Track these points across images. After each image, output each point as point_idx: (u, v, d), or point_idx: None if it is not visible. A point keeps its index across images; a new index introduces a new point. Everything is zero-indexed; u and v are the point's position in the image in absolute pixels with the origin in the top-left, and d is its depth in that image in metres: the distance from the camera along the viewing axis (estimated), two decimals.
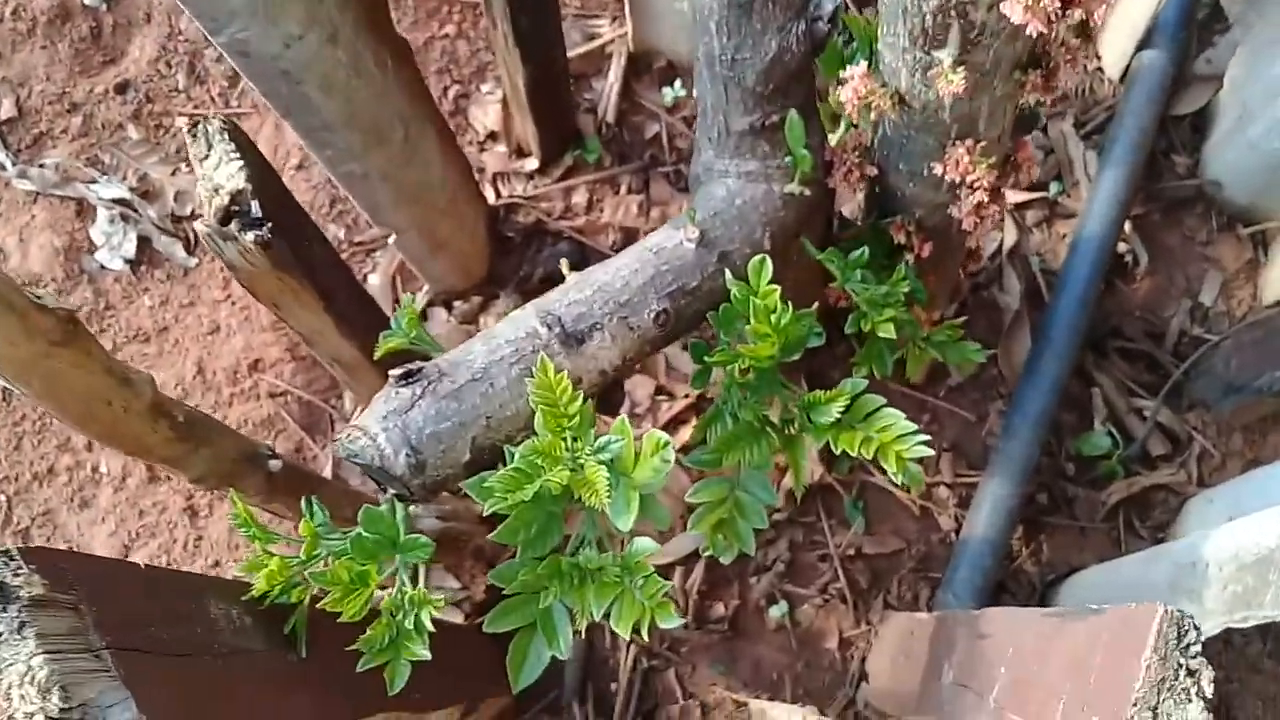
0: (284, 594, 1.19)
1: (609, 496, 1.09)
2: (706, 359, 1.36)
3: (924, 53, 1.13)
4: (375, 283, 2.29)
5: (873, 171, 1.50)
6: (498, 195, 2.35)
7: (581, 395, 1.10)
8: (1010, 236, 2.24)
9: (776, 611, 2.12)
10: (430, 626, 1.12)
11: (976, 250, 1.79)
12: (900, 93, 1.25)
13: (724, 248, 1.41)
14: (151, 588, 1.00)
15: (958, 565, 1.99)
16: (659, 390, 2.27)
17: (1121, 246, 2.21)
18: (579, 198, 2.33)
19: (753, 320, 1.30)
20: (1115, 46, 2.24)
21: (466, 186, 2.12)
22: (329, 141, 1.63)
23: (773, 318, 1.30)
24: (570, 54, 2.37)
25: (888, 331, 1.43)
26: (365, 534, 1.16)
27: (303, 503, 1.21)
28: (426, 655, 1.13)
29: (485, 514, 1.11)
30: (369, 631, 1.13)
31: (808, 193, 1.45)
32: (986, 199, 1.41)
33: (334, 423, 2.19)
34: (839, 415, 1.35)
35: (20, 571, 0.81)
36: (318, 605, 1.19)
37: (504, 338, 1.27)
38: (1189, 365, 2.12)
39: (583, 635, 1.50)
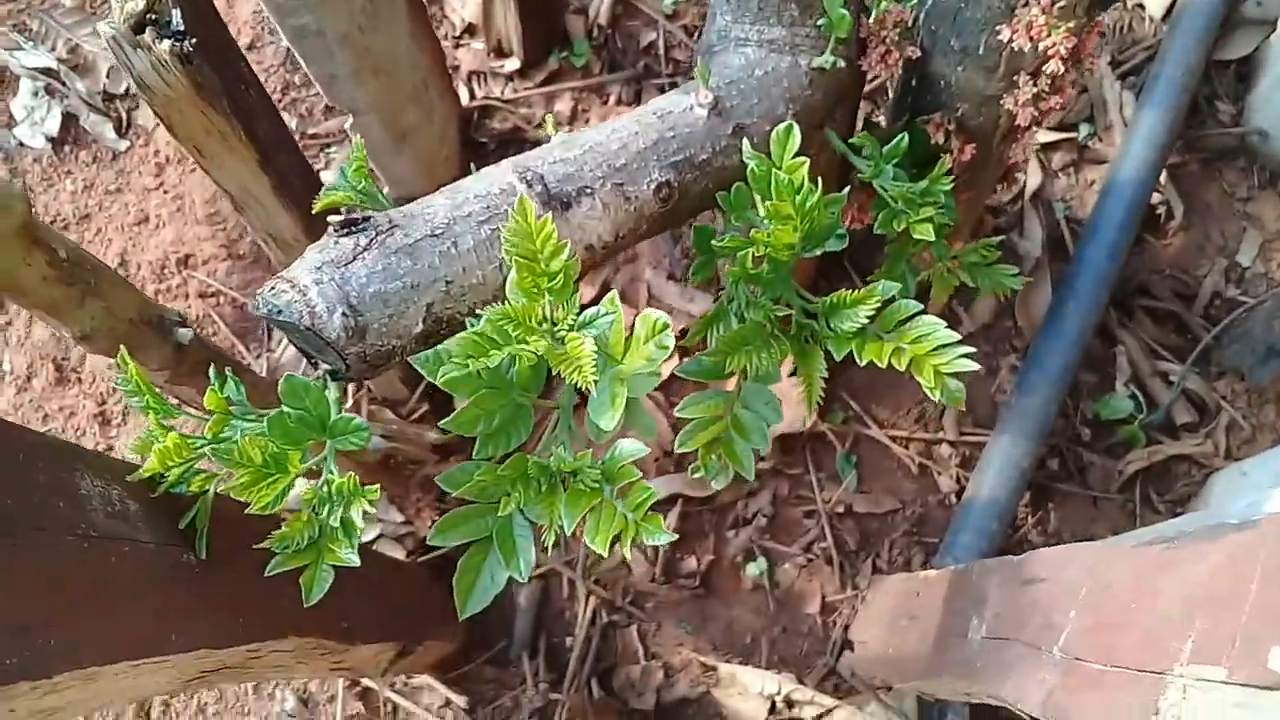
0: (182, 481, 0.96)
1: (595, 378, 0.87)
2: (715, 243, 1.14)
3: None
4: (327, 180, 2.04)
5: (914, 53, 1.28)
6: (472, 96, 2.11)
7: (567, 249, 0.88)
8: (1034, 179, 2.04)
9: (754, 569, 1.91)
10: (361, 523, 0.90)
11: (1012, 170, 1.58)
12: None
13: (740, 120, 1.20)
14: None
15: (961, 528, 1.80)
16: None
17: (1154, 197, 2.02)
18: (562, 105, 2.10)
19: (773, 197, 1.08)
20: None
21: (438, 74, 1.88)
22: None
23: (797, 197, 1.08)
24: None
25: (925, 233, 1.22)
26: (288, 409, 0.93)
27: (211, 371, 0.97)
28: (355, 560, 0.90)
29: (441, 423, 0.89)
30: (285, 527, 0.90)
31: (841, 65, 1.24)
32: (1044, 87, 1.20)
33: (270, 331, 1.95)
34: (866, 321, 1.14)
35: None
36: (225, 495, 0.96)
37: (473, 191, 1.05)
38: (1221, 329, 1.94)
39: (549, 551, 1.28)
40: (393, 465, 1.85)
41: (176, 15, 1.05)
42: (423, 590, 1.65)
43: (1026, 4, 1.08)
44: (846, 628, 1.88)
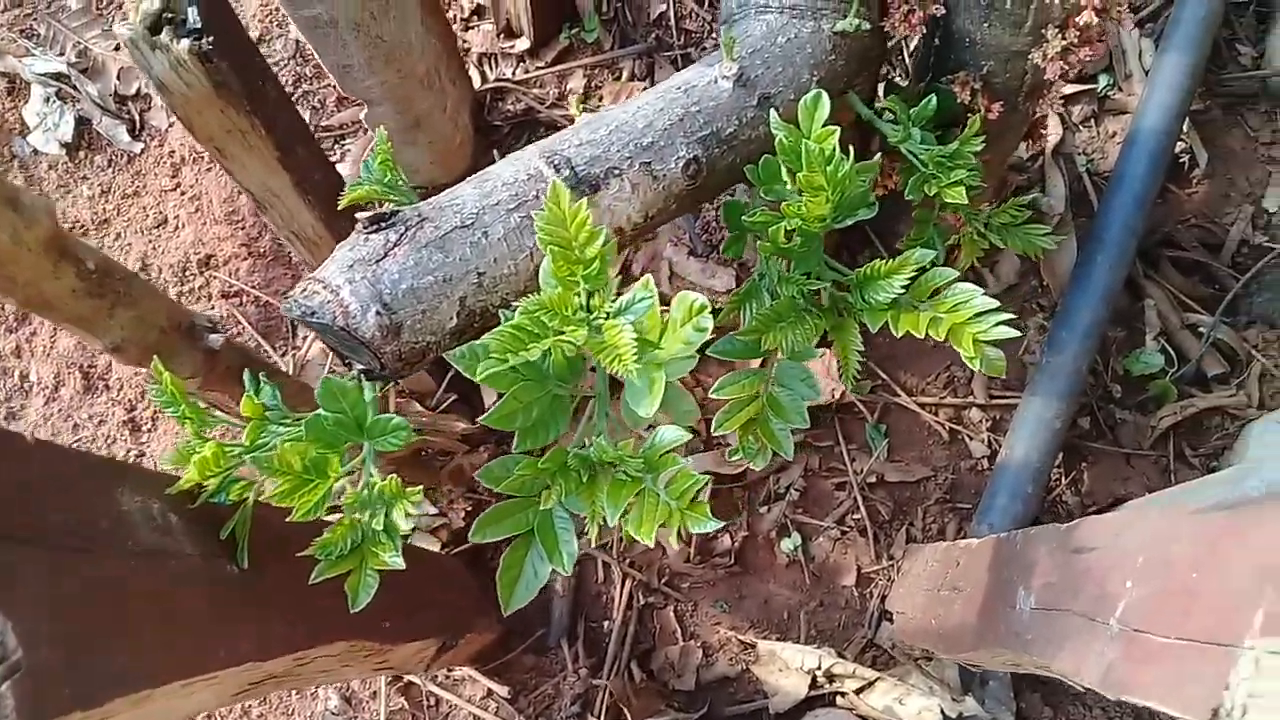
0: (222, 491, 0.95)
1: (637, 365, 0.86)
2: (745, 220, 1.13)
3: None
4: (345, 173, 2.03)
5: (938, 10, 1.26)
6: (484, 79, 2.09)
7: (603, 236, 0.87)
8: (1054, 134, 2.01)
9: (788, 544, 1.91)
10: (405, 527, 0.89)
11: (1037, 126, 1.56)
12: None
13: (765, 90, 1.18)
14: (41, 465, 0.76)
15: (995, 491, 1.78)
16: (661, 301, 2.04)
17: (1177, 146, 1.98)
18: (575, 83, 2.08)
19: (804, 168, 1.06)
20: None
21: (450, 58, 1.86)
22: None
23: (829, 167, 1.06)
24: None
25: (957, 196, 1.20)
26: (325, 413, 0.92)
27: (245, 376, 0.97)
28: (399, 563, 0.90)
29: (476, 419, 0.88)
30: (327, 533, 0.90)
31: (866, 27, 1.22)
32: (1073, 39, 1.18)
33: (295, 328, 1.95)
34: (900, 291, 1.13)
35: None
36: (266, 503, 0.96)
37: (500, 179, 1.03)
38: (1250, 277, 1.91)
39: (592, 542, 1.28)
40: (424, 457, 1.85)
41: (193, 13, 1.03)
42: (461, 582, 1.65)
43: None
44: (884, 599, 1.87)
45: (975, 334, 1.09)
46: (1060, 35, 1.16)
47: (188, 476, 0.91)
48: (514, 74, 2.08)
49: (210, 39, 1.03)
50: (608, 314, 0.89)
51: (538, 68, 2.08)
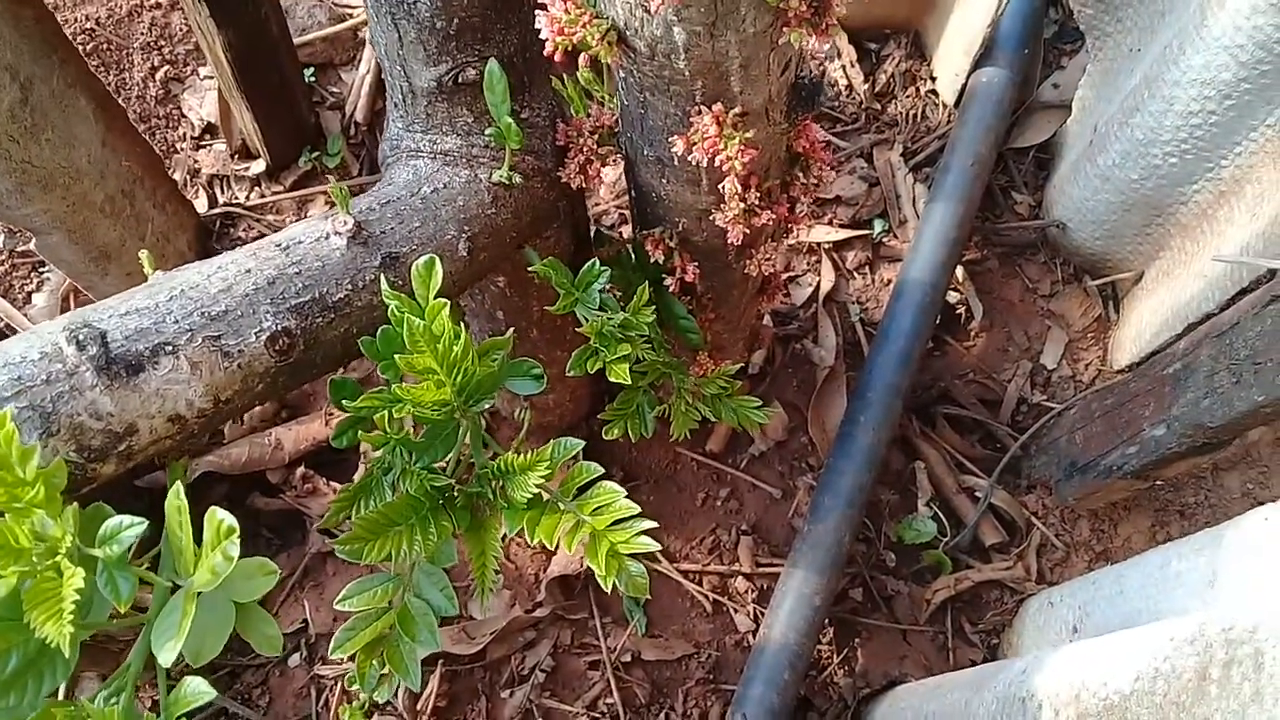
0: None
1: (71, 620, 0.65)
2: (345, 404, 0.94)
3: None
4: (41, 304, 1.80)
5: (617, 162, 1.12)
6: (213, 203, 1.90)
7: (37, 453, 0.66)
8: (827, 281, 1.90)
9: None
10: None
11: (772, 284, 1.43)
12: (618, 26, 0.87)
13: (393, 249, 1.00)
14: None
15: (751, 679, 1.59)
16: None
17: (953, 296, 1.89)
18: (315, 210, 1.90)
19: (408, 346, 0.88)
20: (950, 64, 1.94)
21: (151, 182, 1.66)
22: None
23: (438, 346, 0.89)
24: (315, 35, 1.95)
25: (620, 376, 1.04)
26: None
27: None
28: None
29: None
30: None
31: (520, 181, 1.06)
32: (755, 204, 1.04)
33: None
34: (537, 490, 0.95)
35: None
36: None
37: (4, 359, 0.82)
38: (1028, 438, 1.80)
39: None
40: None
41: None
42: None
43: (700, 112, 0.91)
44: None
45: (615, 541, 0.91)
46: (739, 196, 1.02)
47: None
48: (248, 198, 1.89)
49: None
50: (66, 551, 0.69)
51: (275, 192, 1.89)
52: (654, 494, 1.84)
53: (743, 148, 0.89)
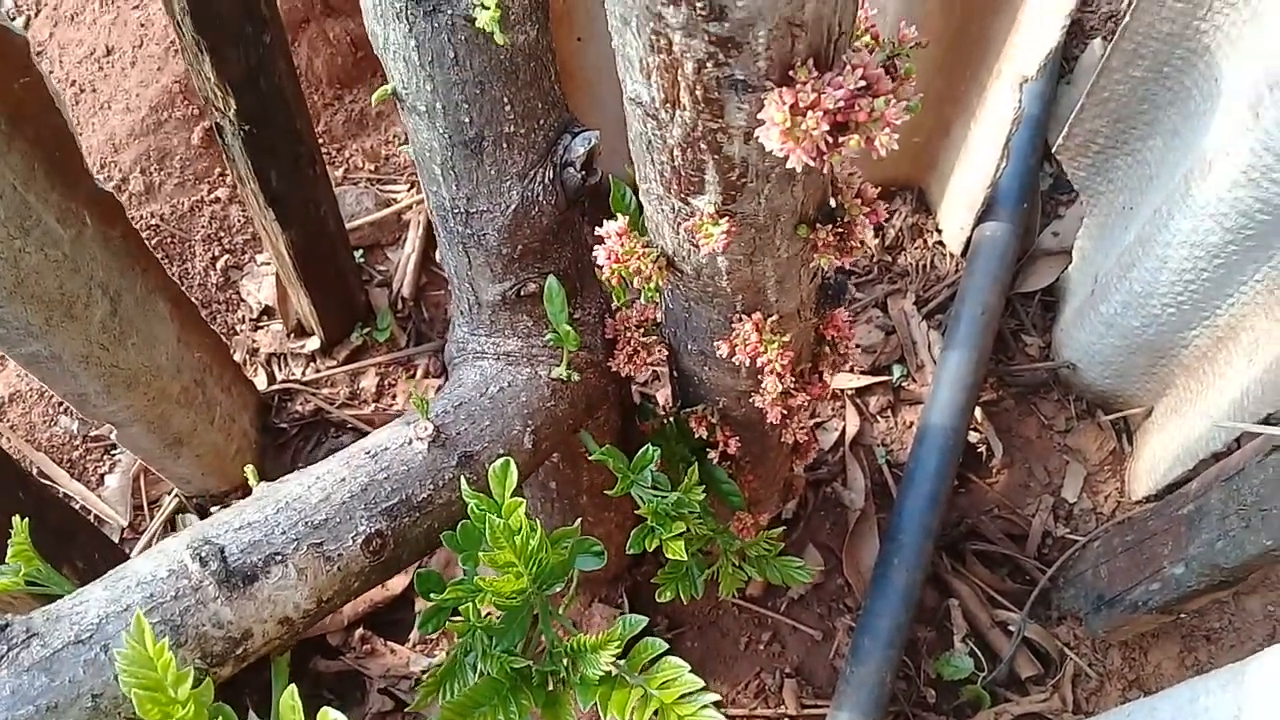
0: None
1: None
2: (433, 596, 1.03)
3: (682, 201, 0.88)
4: (114, 484, 1.91)
5: (663, 353, 1.23)
6: (272, 380, 2.02)
7: (195, 675, 0.76)
8: (853, 425, 2.00)
9: None
10: None
11: (805, 445, 1.52)
12: (668, 254, 0.99)
13: (468, 448, 1.11)
14: None
15: None
16: None
17: (973, 436, 1.98)
18: (367, 382, 2.02)
19: (489, 544, 0.98)
20: (955, 218, 2.08)
21: (219, 370, 1.79)
22: None
23: (516, 540, 0.98)
24: (363, 221, 2.11)
25: (678, 553, 1.13)
26: None
27: None
28: None
29: None
30: None
31: (577, 378, 1.17)
32: (791, 386, 1.15)
33: None
34: (609, 669, 1.03)
35: None
36: None
37: (137, 577, 0.93)
38: (1055, 570, 1.87)
39: None
40: None
41: None
42: None
43: (741, 319, 1.03)
44: None
45: (682, 714, 1.00)
46: (776, 381, 1.13)
47: None
48: (304, 374, 2.01)
49: None
50: None
51: (329, 367, 2.02)
52: (698, 640, 1.91)
53: (782, 350, 1.01)
